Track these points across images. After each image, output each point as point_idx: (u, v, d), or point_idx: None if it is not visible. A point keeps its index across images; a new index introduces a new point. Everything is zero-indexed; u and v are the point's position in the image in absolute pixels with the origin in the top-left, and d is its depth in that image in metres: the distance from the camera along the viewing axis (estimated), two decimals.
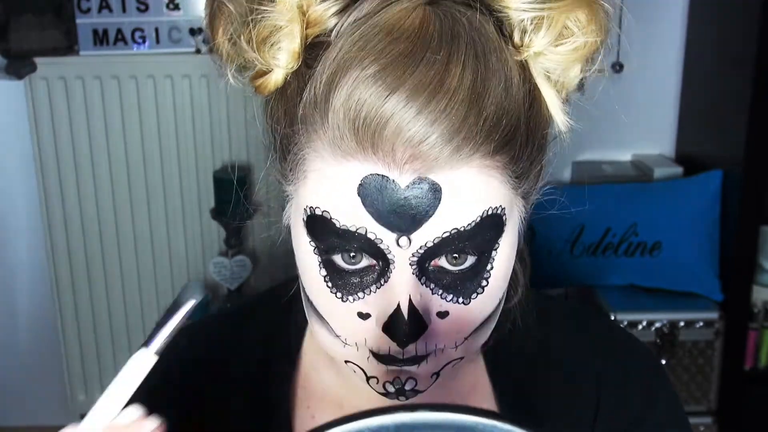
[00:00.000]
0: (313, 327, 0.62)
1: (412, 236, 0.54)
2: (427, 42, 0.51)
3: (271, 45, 0.55)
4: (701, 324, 2.01)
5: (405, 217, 0.53)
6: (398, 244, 0.54)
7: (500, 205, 0.55)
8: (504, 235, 0.57)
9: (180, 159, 2.34)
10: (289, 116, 0.56)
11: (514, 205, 0.58)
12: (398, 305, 0.55)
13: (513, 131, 0.54)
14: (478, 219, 0.54)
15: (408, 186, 0.52)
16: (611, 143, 2.32)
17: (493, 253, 0.57)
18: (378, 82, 0.50)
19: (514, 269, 0.72)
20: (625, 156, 2.37)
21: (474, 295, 0.57)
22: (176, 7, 2.25)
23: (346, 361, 0.60)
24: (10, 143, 2.39)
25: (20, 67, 2.23)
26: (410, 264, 0.55)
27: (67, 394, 2.50)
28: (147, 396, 0.67)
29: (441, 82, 0.50)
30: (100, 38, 2.26)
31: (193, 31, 2.27)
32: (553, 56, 0.55)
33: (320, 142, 0.53)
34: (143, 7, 2.25)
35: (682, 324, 2.00)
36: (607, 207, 2.11)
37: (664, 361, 2.01)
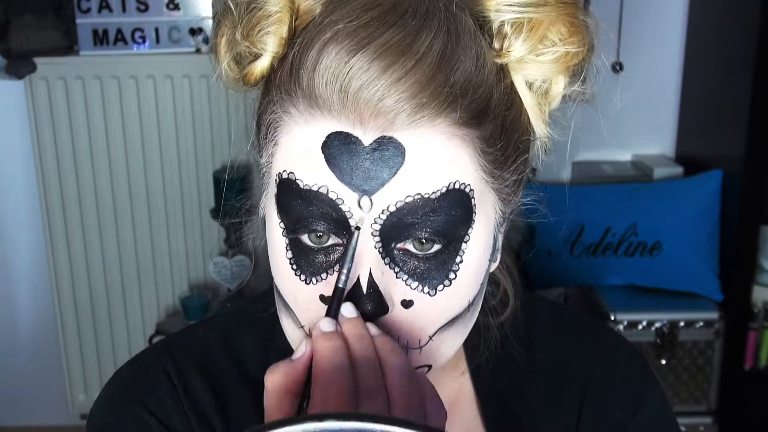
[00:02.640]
0: (282, 321, 0.61)
1: (374, 198, 0.53)
2: (401, 12, 0.53)
3: (259, 30, 0.56)
4: (701, 324, 2.01)
5: (367, 176, 0.53)
6: (359, 206, 0.53)
7: (468, 183, 0.55)
8: (474, 225, 0.56)
9: (180, 159, 2.34)
10: (267, 86, 0.58)
11: (487, 198, 0.57)
12: (358, 279, 0.55)
13: (483, 109, 0.54)
14: (444, 189, 0.53)
15: (371, 144, 0.52)
16: (611, 143, 2.32)
17: (463, 245, 0.56)
18: (347, 39, 0.51)
19: (504, 289, 0.72)
20: (625, 156, 2.37)
21: (440, 287, 0.56)
22: (176, 7, 2.26)
23: None
24: (10, 143, 2.39)
25: (20, 67, 2.23)
26: (373, 234, 0.54)
27: (67, 394, 2.50)
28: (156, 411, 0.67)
29: (410, 44, 0.51)
30: (100, 38, 2.26)
31: (193, 31, 2.27)
32: (534, 65, 0.56)
33: (291, 103, 0.54)
34: (143, 7, 2.25)
35: (682, 324, 2.00)
36: (607, 207, 2.11)
37: (664, 362, 2.01)
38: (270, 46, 0.56)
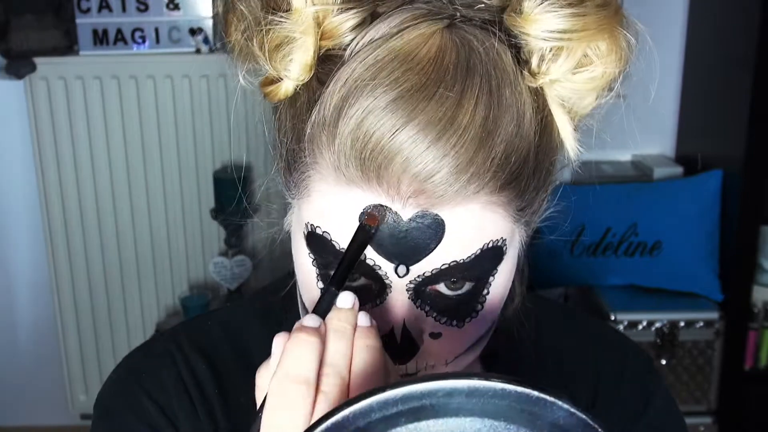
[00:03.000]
0: None
1: (411, 267, 0.54)
2: (441, 75, 0.50)
3: (283, 55, 0.54)
4: (701, 324, 2.01)
5: (405, 249, 0.53)
6: (396, 273, 0.54)
7: (501, 237, 0.55)
8: (503, 261, 0.57)
9: (180, 159, 2.34)
10: (296, 131, 0.55)
11: (516, 233, 0.57)
12: (392, 328, 0.55)
13: (520, 167, 0.53)
14: (479, 251, 0.54)
15: (411, 219, 0.52)
16: (611, 143, 2.31)
17: (491, 278, 0.57)
18: (389, 114, 0.49)
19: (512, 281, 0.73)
20: (625, 156, 2.37)
21: (468, 319, 0.57)
22: (176, 7, 2.26)
23: None
24: (10, 143, 2.39)
25: (20, 67, 2.23)
26: (407, 289, 0.55)
27: (67, 394, 2.50)
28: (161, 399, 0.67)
29: (452, 118, 0.49)
30: (100, 38, 2.26)
31: (193, 31, 2.27)
32: (570, 84, 0.54)
33: (325, 164, 0.53)
34: (143, 7, 2.25)
35: (682, 324, 2.00)
36: (607, 207, 2.11)
37: (664, 362, 2.01)
38: (293, 73, 0.54)
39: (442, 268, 0.53)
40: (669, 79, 2.32)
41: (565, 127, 0.56)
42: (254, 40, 0.54)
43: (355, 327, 0.50)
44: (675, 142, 2.37)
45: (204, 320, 0.76)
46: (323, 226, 0.55)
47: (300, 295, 0.61)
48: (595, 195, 2.12)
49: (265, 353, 0.71)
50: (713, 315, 2.01)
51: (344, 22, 0.53)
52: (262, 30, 0.53)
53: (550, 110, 0.55)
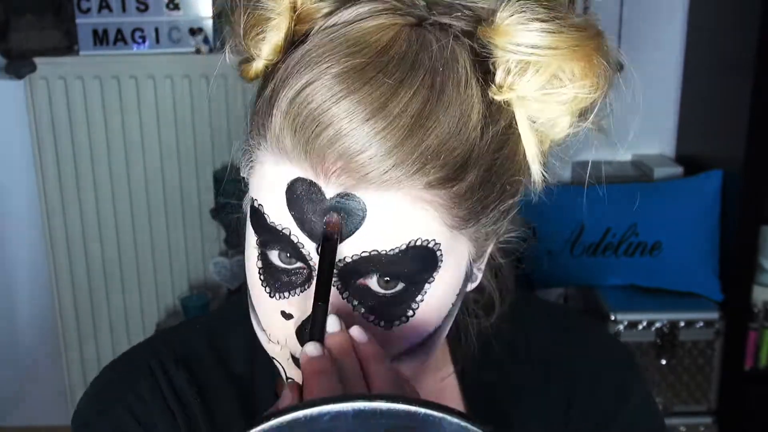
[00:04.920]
0: (250, 315, 0.62)
1: None
2: (383, 63, 0.51)
3: (257, 34, 0.56)
4: (701, 324, 2.01)
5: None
6: (318, 253, 0.53)
7: (433, 239, 0.54)
8: (441, 269, 0.55)
9: (180, 159, 2.34)
10: (259, 94, 0.58)
11: (459, 245, 0.56)
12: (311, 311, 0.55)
13: (459, 170, 0.52)
14: (404, 247, 0.53)
15: (333, 198, 0.52)
16: (611, 143, 2.32)
17: (426, 285, 0.55)
18: (327, 86, 0.50)
19: (491, 296, 0.71)
20: (625, 156, 2.37)
21: (397, 323, 0.56)
22: (176, 7, 2.26)
23: (272, 358, 0.60)
24: (10, 143, 2.39)
25: (20, 67, 2.23)
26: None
27: (67, 394, 2.50)
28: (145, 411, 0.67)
29: (385, 104, 0.50)
30: (100, 38, 2.26)
31: (193, 31, 2.27)
32: (537, 104, 0.53)
33: (265, 137, 0.54)
34: (143, 7, 2.25)
35: (682, 324, 2.00)
36: (607, 207, 2.11)
37: (664, 362, 2.01)
38: (264, 52, 0.56)
39: (363, 255, 0.53)
40: (669, 79, 2.32)
41: (531, 149, 0.56)
42: (240, 24, 0.56)
43: (351, 345, 0.50)
44: (675, 142, 2.37)
45: (182, 327, 0.77)
46: (259, 199, 0.55)
47: (249, 289, 0.60)
48: (595, 195, 2.12)
49: (245, 359, 0.71)
50: (713, 315, 2.01)
51: (319, 9, 0.55)
52: (247, 12, 0.55)
53: (517, 129, 0.55)
